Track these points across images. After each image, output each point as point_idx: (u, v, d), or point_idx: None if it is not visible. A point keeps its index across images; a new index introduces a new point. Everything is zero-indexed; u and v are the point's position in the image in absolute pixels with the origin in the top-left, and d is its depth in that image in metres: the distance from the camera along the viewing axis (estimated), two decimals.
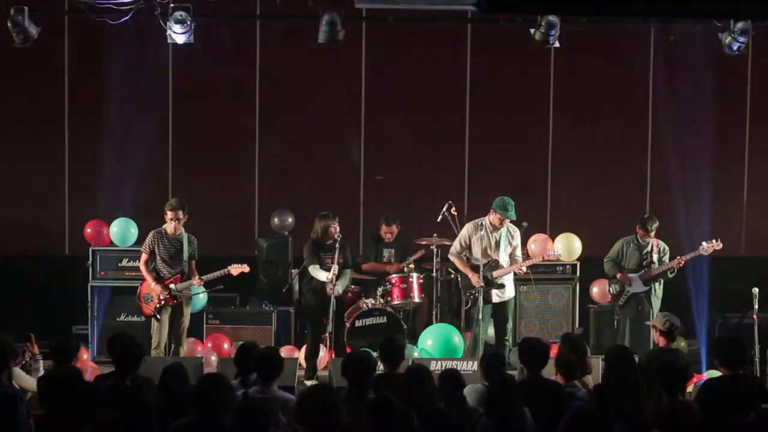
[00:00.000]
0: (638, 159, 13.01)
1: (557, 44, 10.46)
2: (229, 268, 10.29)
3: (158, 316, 10.19)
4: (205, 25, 10.44)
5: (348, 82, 12.72)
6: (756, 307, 10.18)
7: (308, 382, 10.15)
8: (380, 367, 7.52)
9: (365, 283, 11.42)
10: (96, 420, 5.88)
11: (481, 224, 10.57)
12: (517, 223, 10.78)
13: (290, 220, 12.10)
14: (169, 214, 10.18)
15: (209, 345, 10.96)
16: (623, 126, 12.97)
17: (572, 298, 11.65)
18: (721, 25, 10.56)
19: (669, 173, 12.90)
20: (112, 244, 11.48)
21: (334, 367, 8.96)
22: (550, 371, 7.45)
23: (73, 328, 11.53)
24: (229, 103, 12.67)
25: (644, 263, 10.93)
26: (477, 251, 10.53)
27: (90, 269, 11.35)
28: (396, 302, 11.01)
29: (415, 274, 11.09)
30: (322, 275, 10.32)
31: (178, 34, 10.19)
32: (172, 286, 10.20)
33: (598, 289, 11.72)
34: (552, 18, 10.12)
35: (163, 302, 10.19)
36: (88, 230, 11.57)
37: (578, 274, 11.65)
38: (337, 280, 10.31)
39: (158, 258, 10.24)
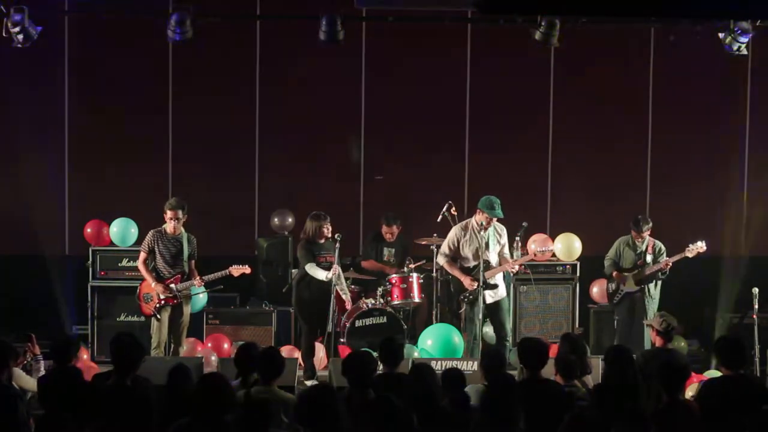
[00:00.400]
0: (638, 159, 13.01)
1: (557, 44, 10.46)
2: (230, 269, 10.28)
3: (158, 316, 10.19)
4: (205, 25, 10.44)
5: (348, 82, 12.73)
6: (756, 307, 10.19)
7: (308, 382, 10.14)
8: (380, 367, 7.53)
9: (365, 283, 11.42)
10: (97, 420, 5.88)
11: (468, 226, 10.55)
12: (516, 223, 10.77)
13: (290, 220, 12.11)
14: (169, 214, 10.18)
15: (209, 345, 10.96)
16: (623, 126, 12.98)
17: (572, 298, 11.65)
18: (721, 25, 10.56)
19: (669, 173, 12.92)
20: (112, 244, 11.49)
21: (334, 367, 8.95)
22: (550, 371, 7.45)
23: (73, 328, 11.54)
24: (230, 102, 12.67)
25: (638, 263, 10.95)
26: (468, 254, 10.51)
27: (90, 269, 11.36)
28: (396, 302, 11.01)
29: (415, 274, 11.09)
30: (320, 273, 10.29)
31: (178, 34, 10.18)
32: (172, 286, 10.20)
33: (598, 289, 11.72)
34: (552, 18, 10.12)
35: (163, 302, 10.19)
36: (88, 230, 11.58)
37: (578, 274, 11.65)
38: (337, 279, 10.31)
39: (158, 257, 10.23)
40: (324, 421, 5.71)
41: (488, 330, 11.04)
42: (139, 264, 10.30)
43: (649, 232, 10.93)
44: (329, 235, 10.38)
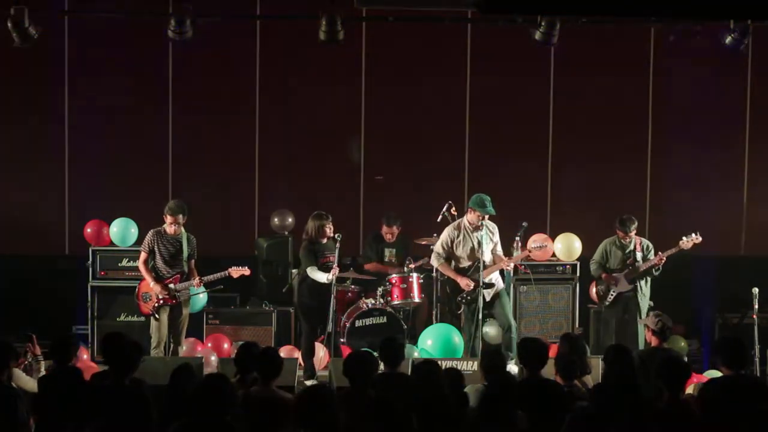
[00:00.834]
0: (638, 158, 13.01)
1: (557, 44, 10.46)
2: (229, 270, 10.28)
3: (156, 315, 10.19)
4: (205, 24, 10.44)
5: (348, 82, 12.72)
6: (756, 307, 10.18)
7: (308, 382, 10.14)
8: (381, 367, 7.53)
9: (365, 283, 11.42)
10: (96, 420, 5.88)
11: (461, 226, 10.54)
12: (516, 223, 10.77)
13: (290, 220, 12.10)
14: (169, 219, 10.18)
15: (209, 345, 10.96)
16: (623, 125, 12.97)
17: (572, 298, 11.65)
18: (721, 25, 10.56)
19: (669, 173, 12.91)
20: (112, 244, 11.49)
21: (334, 367, 8.96)
22: (549, 371, 7.46)
23: (73, 328, 11.53)
24: (230, 102, 12.67)
25: (628, 262, 10.92)
26: (462, 254, 10.50)
27: (90, 269, 11.36)
28: (396, 302, 11.01)
29: (415, 274, 11.09)
30: (321, 277, 10.29)
31: (177, 34, 10.18)
32: (171, 286, 10.20)
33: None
34: (552, 18, 10.12)
35: (162, 302, 10.19)
36: (88, 230, 11.58)
37: (578, 274, 11.64)
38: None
39: (158, 257, 10.23)
40: (323, 421, 5.71)
41: (488, 330, 11.04)
42: (140, 264, 10.31)
43: (635, 231, 10.90)
44: (331, 235, 10.38)
